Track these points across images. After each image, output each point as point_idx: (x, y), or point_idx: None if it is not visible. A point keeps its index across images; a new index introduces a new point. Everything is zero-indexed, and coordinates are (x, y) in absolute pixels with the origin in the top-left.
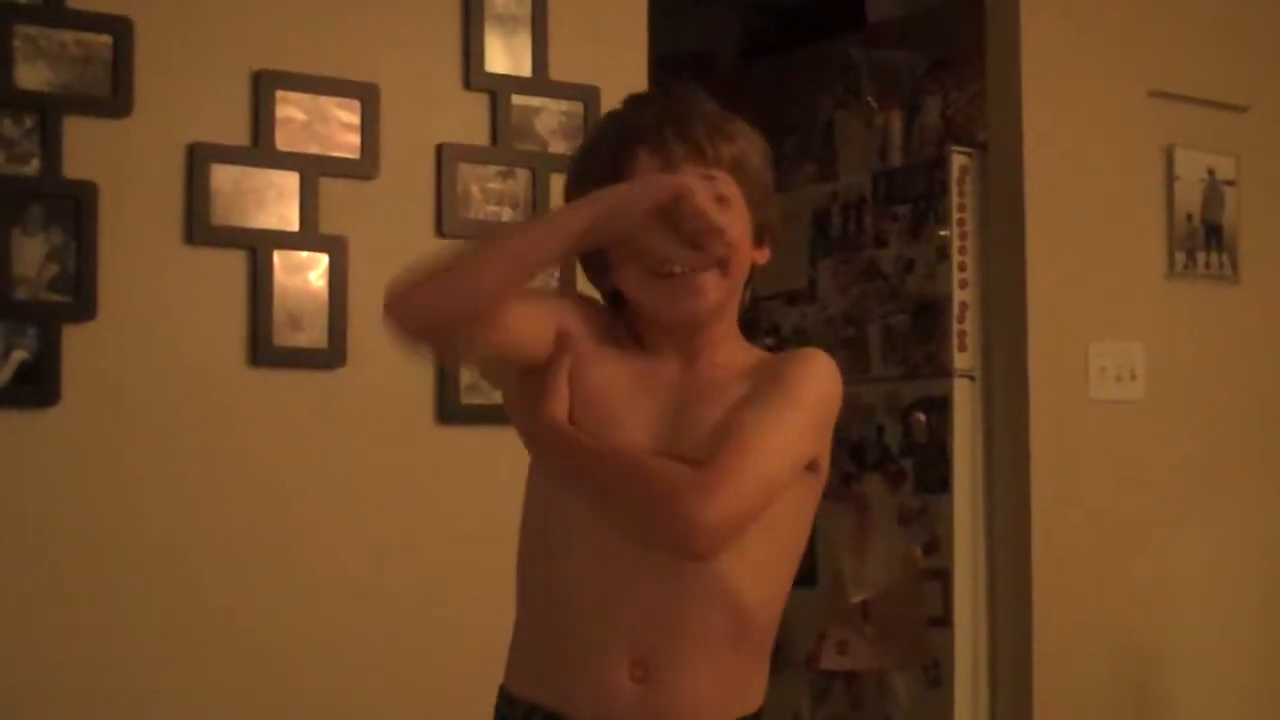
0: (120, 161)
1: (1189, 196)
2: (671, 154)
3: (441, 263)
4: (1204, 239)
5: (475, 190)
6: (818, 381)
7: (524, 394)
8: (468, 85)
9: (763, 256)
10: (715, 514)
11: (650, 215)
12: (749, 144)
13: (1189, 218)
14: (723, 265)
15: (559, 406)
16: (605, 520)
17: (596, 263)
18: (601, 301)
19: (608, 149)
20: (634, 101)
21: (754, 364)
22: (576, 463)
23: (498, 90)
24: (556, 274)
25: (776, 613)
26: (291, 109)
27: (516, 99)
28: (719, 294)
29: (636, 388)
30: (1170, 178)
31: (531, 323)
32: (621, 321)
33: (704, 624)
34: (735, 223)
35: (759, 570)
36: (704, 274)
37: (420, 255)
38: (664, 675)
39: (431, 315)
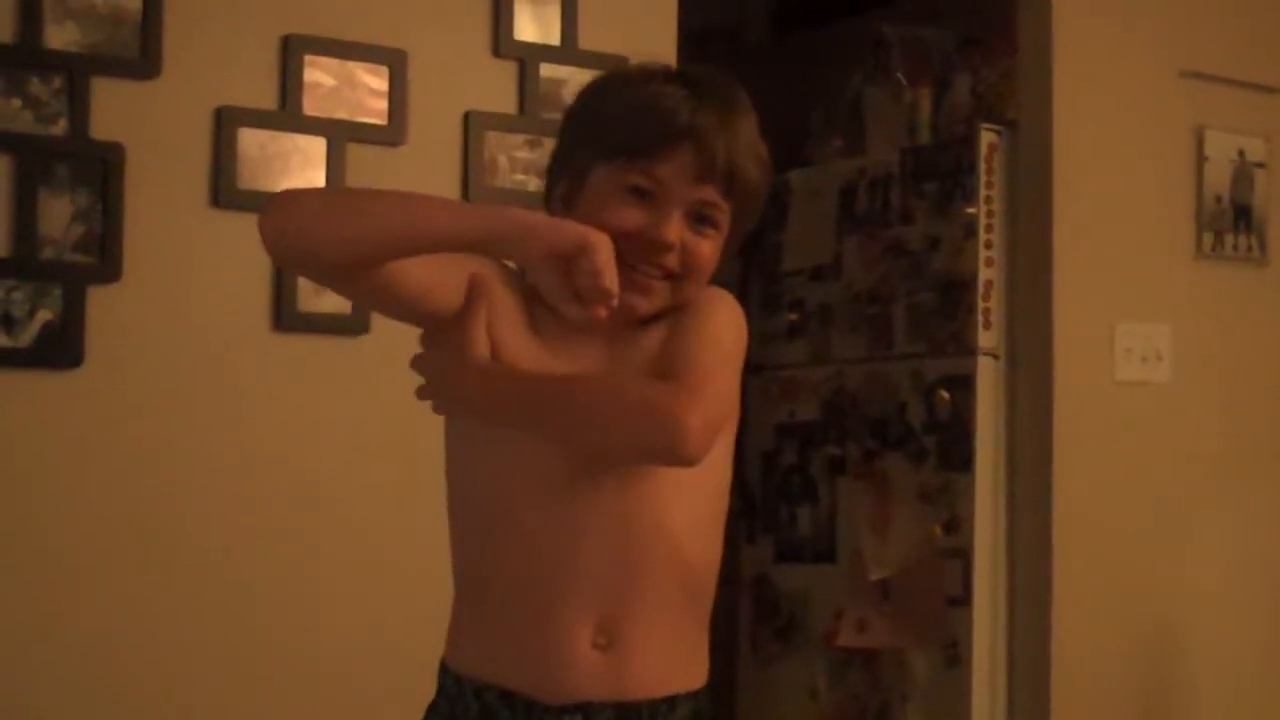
0: (148, 123)
1: (1218, 178)
2: (710, 166)
3: (334, 194)
4: (1233, 220)
5: (502, 159)
6: (733, 324)
7: (436, 345)
8: (496, 53)
9: (705, 284)
10: (699, 417)
11: (546, 259)
12: (765, 175)
13: (1218, 199)
14: (680, 283)
15: (483, 350)
16: (575, 446)
17: (562, 193)
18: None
19: (654, 125)
20: (691, 80)
21: (669, 317)
22: (523, 398)
23: (526, 59)
24: None
25: (715, 575)
26: (320, 74)
27: (545, 68)
28: (661, 303)
29: (553, 348)
30: (1200, 158)
31: (434, 270)
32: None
33: (660, 582)
34: (709, 248)
35: (702, 527)
36: (657, 281)
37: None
38: (625, 639)
39: (298, 240)
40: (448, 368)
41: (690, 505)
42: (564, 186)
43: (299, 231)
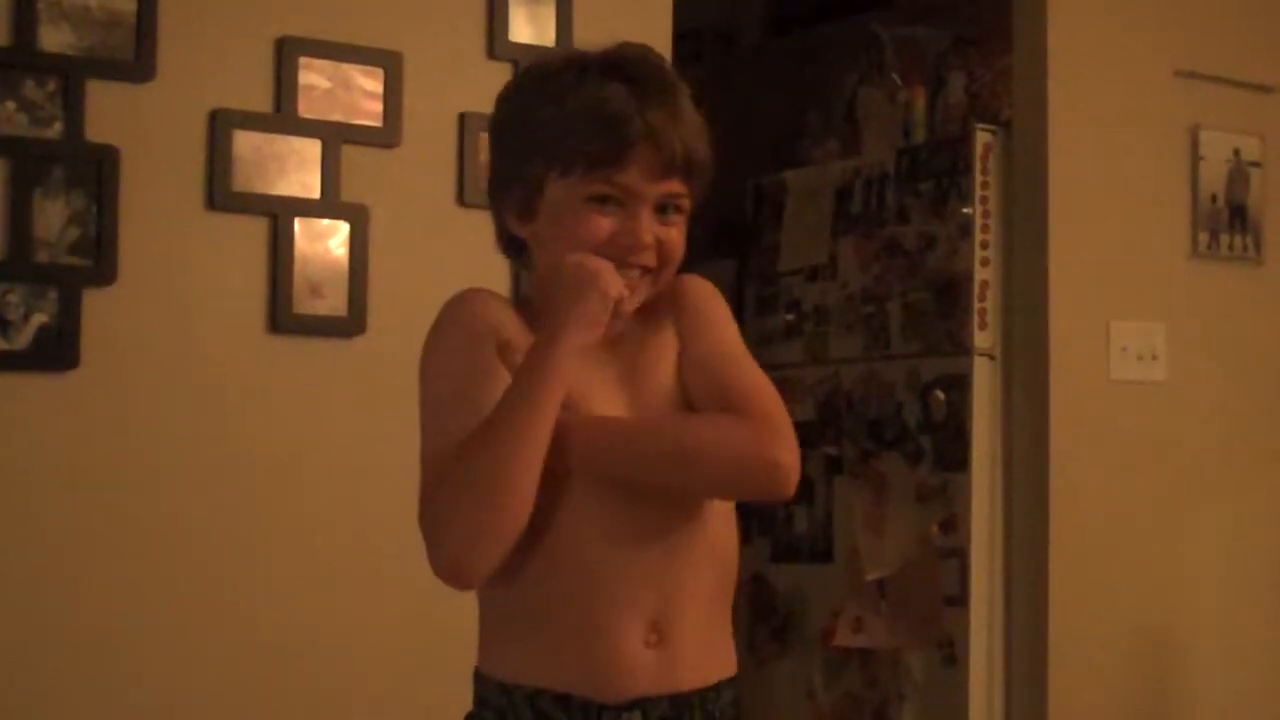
0: (142, 126)
1: (1214, 177)
2: (669, 162)
3: (467, 502)
4: (1228, 220)
5: None
6: (728, 312)
7: None
8: (491, 55)
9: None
10: (790, 453)
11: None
12: (705, 131)
13: (1213, 199)
14: (657, 274)
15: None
16: (670, 486)
17: (516, 207)
18: (498, 291)
19: (607, 134)
20: (628, 74)
21: (644, 307)
22: (614, 447)
23: (521, 60)
24: None
25: (735, 577)
26: (314, 76)
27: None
28: (642, 297)
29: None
30: (1195, 158)
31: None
32: (525, 304)
33: (700, 581)
34: (679, 233)
35: (730, 526)
36: (638, 279)
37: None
38: (674, 635)
39: (489, 557)
40: None
41: (721, 513)
42: (517, 199)
43: (478, 557)
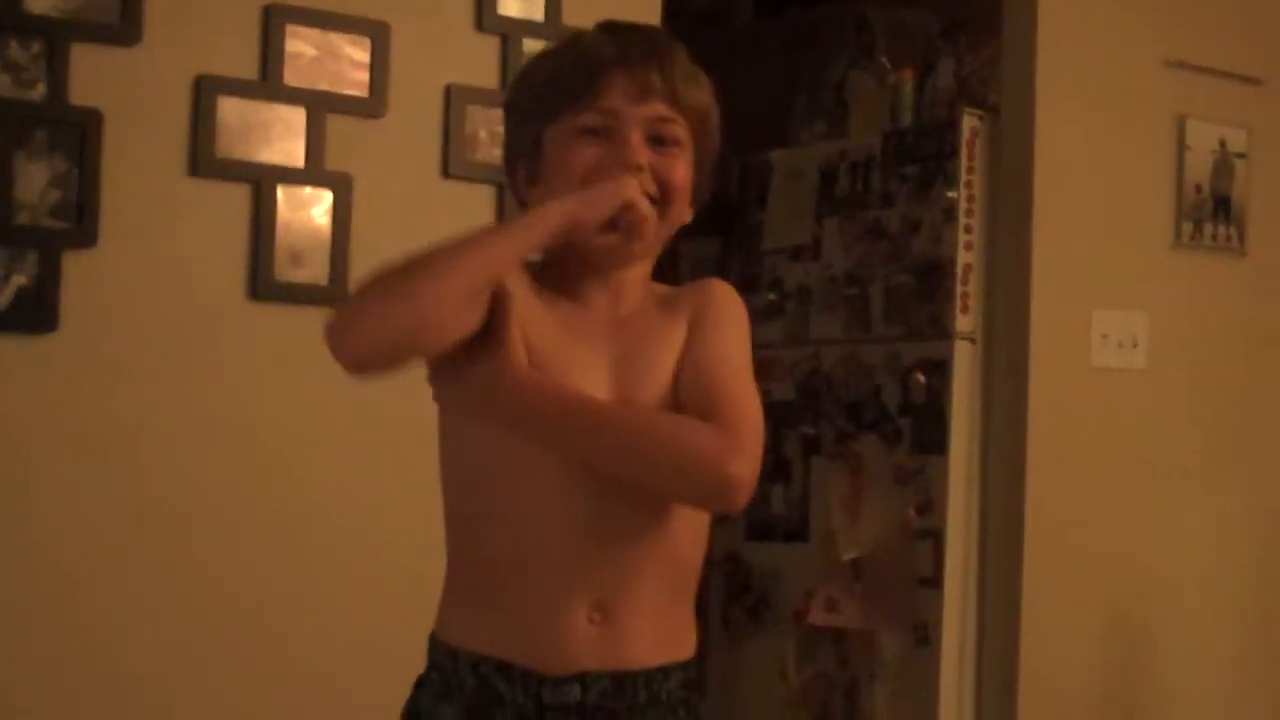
0: (127, 90)
1: (1199, 168)
2: (649, 86)
3: (387, 284)
4: (1212, 211)
5: (483, 133)
6: (744, 325)
7: (458, 352)
8: (479, 27)
9: (688, 215)
10: (747, 469)
11: (604, 226)
12: (713, 101)
13: (1198, 189)
14: (662, 208)
15: (521, 359)
16: (612, 475)
17: (525, 175)
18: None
19: (582, 67)
20: (612, 27)
21: (664, 298)
22: (565, 422)
23: (509, 33)
24: None
25: (702, 558)
26: (301, 44)
27: (528, 43)
28: (652, 233)
29: (573, 335)
30: (1181, 148)
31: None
32: (541, 267)
33: (653, 572)
34: (680, 167)
35: (695, 528)
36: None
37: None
38: (618, 617)
39: (386, 339)
40: (485, 377)
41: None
42: (524, 167)
43: (380, 334)
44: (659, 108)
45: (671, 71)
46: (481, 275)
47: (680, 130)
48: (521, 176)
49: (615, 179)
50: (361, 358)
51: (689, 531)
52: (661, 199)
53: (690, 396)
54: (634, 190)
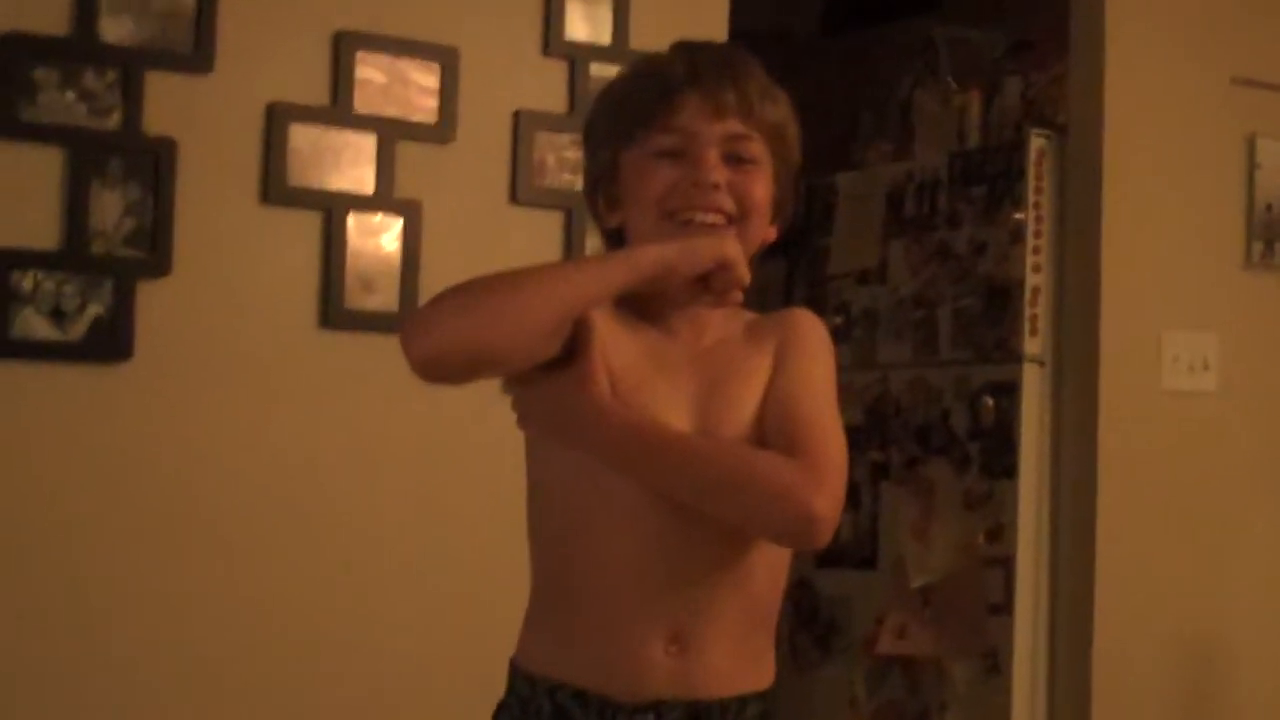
0: (200, 118)
1: (1270, 186)
2: (723, 104)
3: (473, 297)
4: None
5: (551, 159)
6: (829, 357)
7: (542, 381)
8: (547, 52)
9: (772, 234)
10: (828, 505)
11: (698, 280)
12: (791, 117)
13: (1269, 208)
14: (741, 226)
15: (605, 389)
16: (703, 509)
17: (604, 201)
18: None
19: (655, 88)
20: (685, 47)
21: (749, 326)
22: (647, 452)
23: (576, 58)
24: None
25: (781, 591)
26: (371, 70)
27: (595, 67)
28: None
29: (657, 365)
30: (1251, 166)
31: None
32: (625, 301)
33: (731, 605)
34: (759, 184)
35: (774, 567)
36: (720, 228)
37: (448, 283)
38: (695, 648)
39: (460, 351)
40: (567, 403)
41: (767, 548)
42: (604, 193)
43: (453, 345)
44: (734, 125)
45: (746, 88)
46: (567, 308)
47: (757, 147)
48: (601, 203)
49: (720, 236)
50: (430, 362)
51: (768, 565)
52: (740, 217)
53: (774, 429)
54: (735, 249)
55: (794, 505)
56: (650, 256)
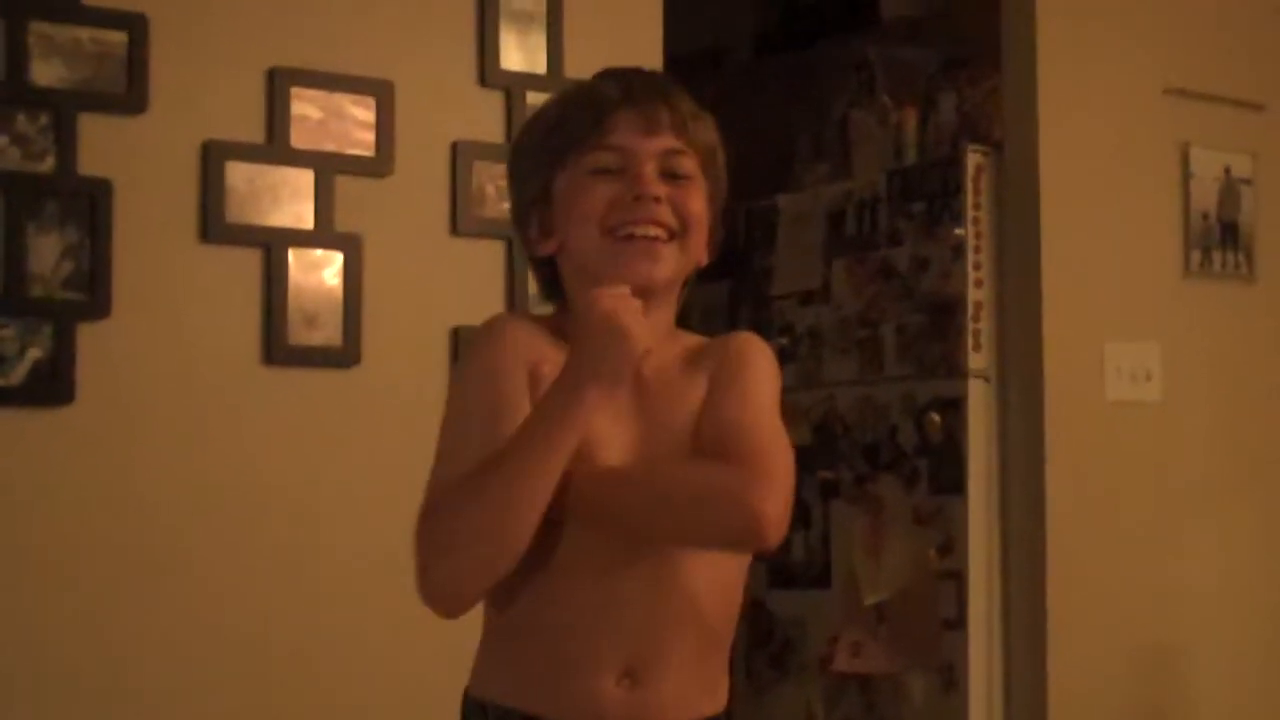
0: (135, 159)
1: (1205, 195)
2: (657, 120)
3: (466, 533)
4: (1220, 238)
5: (490, 189)
6: (773, 374)
7: None
8: (483, 82)
9: (705, 256)
10: (776, 506)
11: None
12: (719, 142)
13: (1205, 216)
14: (682, 240)
15: None
16: (652, 535)
17: (537, 228)
18: (534, 313)
19: (589, 109)
20: (615, 71)
21: (690, 350)
22: (595, 493)
23: (513, 87)
24: None
25: (734, 623)
26: (306, 106)
27: (532, 96)
28: (672, 266)
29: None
30: (1186, 176)
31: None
32: (561, 321)
33: (683, 635)
34: (696, 199)
35: (727, 591)
36: (662, 244)
37: (426, 507)
38: (649, 680)
39: (477, 589)
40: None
41: (713, 565)
42: (537, 219)
43: (469, 585)
44: (669, 140)
45: (678, 105)
46: (544, 499)
47: (691, 163)
48: (534, 231)
49: (627, 341)
50: (458, 611)
51: (721, 591)
52: (681, 231)
53: (714, 444)
54: (645, 339)
55: (741, 509)
56: (590, 400)
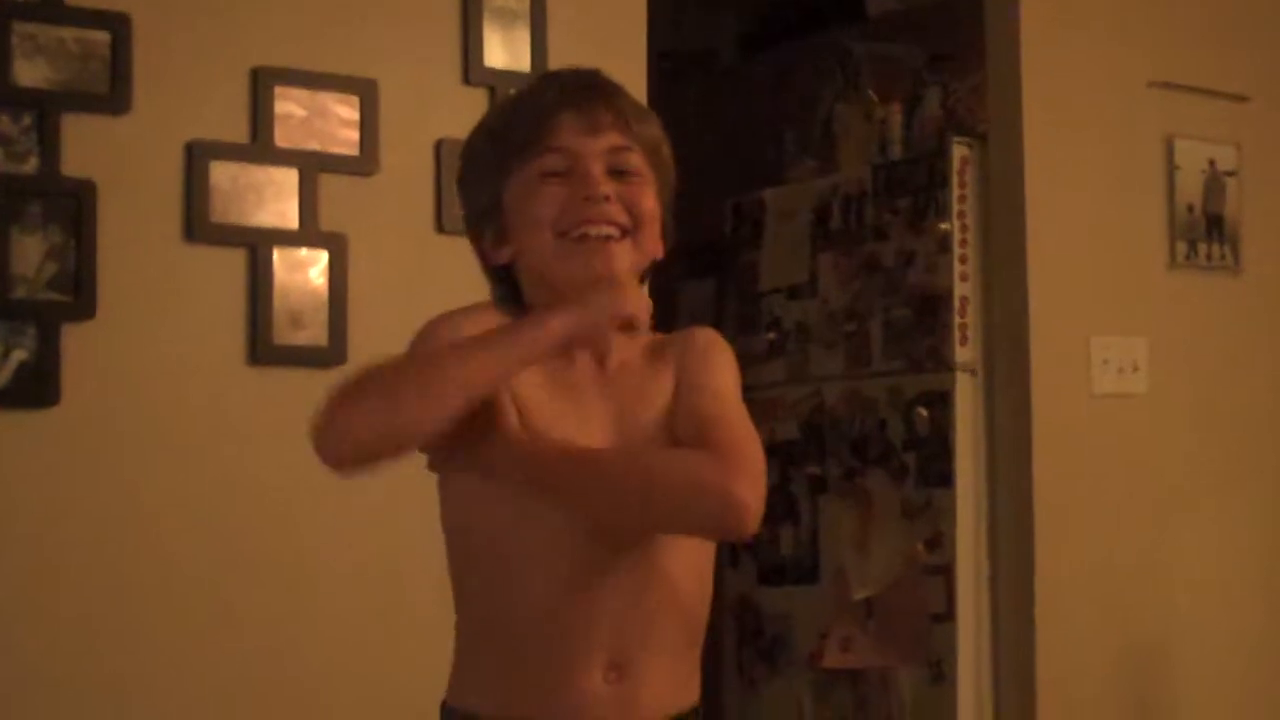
0: (119, 159)
1: (1190, 187)
2: (599, 120)
3: (382, 392)
4: (1205, 230)
5: None
6: (732, 365)
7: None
8: (467, 80)
9: (660, 250)
10: (750, 491)
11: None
12: (664, 138)
13: (1190, 209)
14: (635, 236)
15: (514, 425)
16: (617, 521)
17: (491, 238)
18: (494, 304)
19: (530, 115)
20: (552, 75)
21: (650, 347)
22: (564, 473)
23: (497, 85)
24: None
25: (708, 612)
26: (290, 105)
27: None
28: (626, 262)
29: (565, 393)
30: (1171, 168)
31: None
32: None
33: (663, 623)
34: (647, 195)
35: (700, 566)
36: (615, 242)
37: (352, 370)
38: (632, 673)
39: (368, 447)
40: (479, 449)
41: (690, 551)
42: (490, 229)
43: (365, 439)
44: (614, 138)
45: (619, 104)
46: (474, 392)
47: (638, 160)
48: (488, 240)
49: (618, 290)
50: (342, 460)
51: (696, 584)
52: (634, 227)
53: (687, 434)
54: (636, 304)
55: (715, 494)
56: (554, 330)
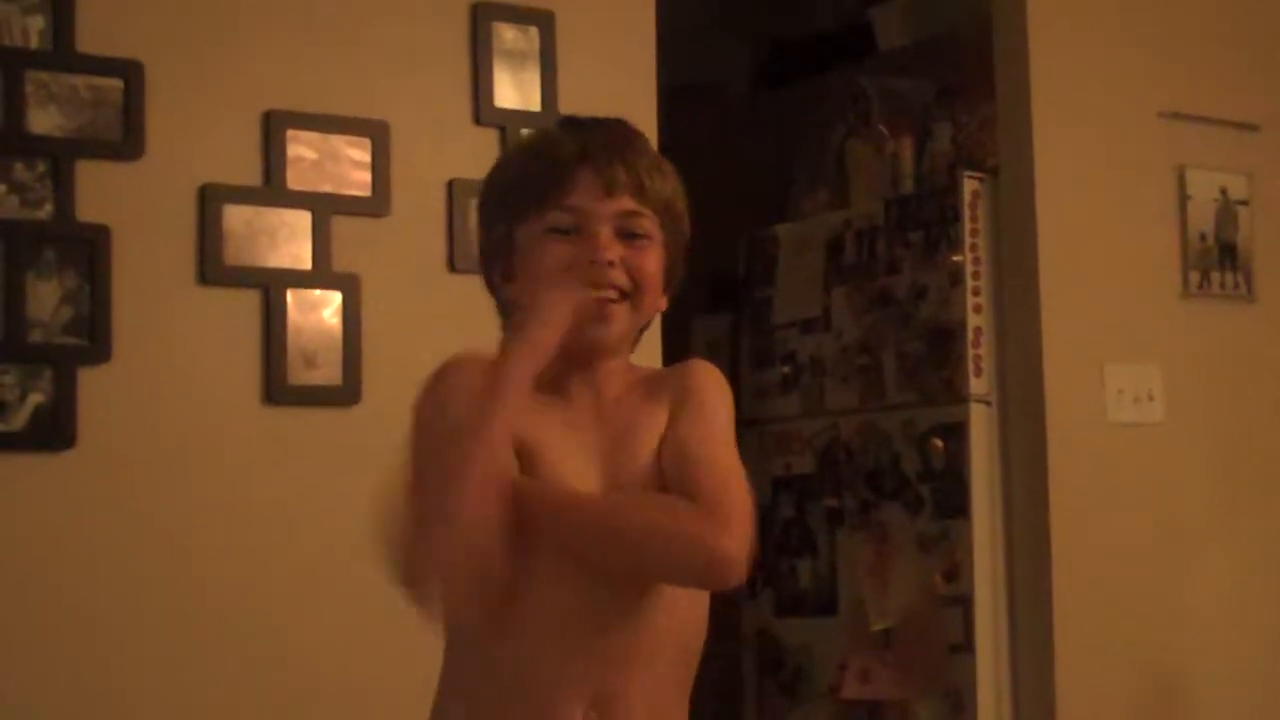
0: (132, 204)
1: (1202, 216)
2: (615, 181)
3: (429, 505)
4: (1218, 258)
5: None
6: (726, 401)
7: None
8: (478, 120)
9: (664, 303)
10: (734, 544)
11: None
12: (679, 190)
13: (1202, 237)
14: (635, 300)
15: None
16: (606, 568)
17: (500, 273)
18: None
19: (548, 167)
20: (574, 123)
21: (647, 381)
22: (557, 520)
23: (507, 125)
24: None
25: (700, 651)
26: (302, 148)
27: (526, 134)
28: (624, 325)
29: (560, 429)
30: (1183, 198)
31: None
32: None
33: (654, 665)
34: (652, 259)
35: (697, 622)
36: (614, 305)
37: (387, 518)
38: (614, 713)
39: (467, 563)
40: None
41: (680, 596)
42: (500, 266)
43: (451, 562)
44: (626, 202)
45: (636, 164)
46: (486, 467)
47: (649, 223)
48: (498, 275)
49: (551, 290)
50: (469, 598)
51: (693, 626)
52: (634, 291)
53: (674, 477)
54: (572, 293)
55: (700, 549)
56: (519, 360)
